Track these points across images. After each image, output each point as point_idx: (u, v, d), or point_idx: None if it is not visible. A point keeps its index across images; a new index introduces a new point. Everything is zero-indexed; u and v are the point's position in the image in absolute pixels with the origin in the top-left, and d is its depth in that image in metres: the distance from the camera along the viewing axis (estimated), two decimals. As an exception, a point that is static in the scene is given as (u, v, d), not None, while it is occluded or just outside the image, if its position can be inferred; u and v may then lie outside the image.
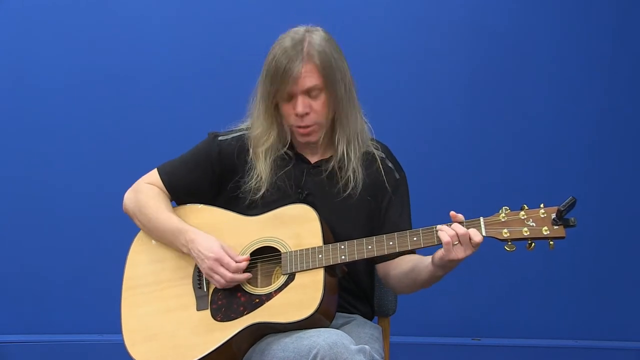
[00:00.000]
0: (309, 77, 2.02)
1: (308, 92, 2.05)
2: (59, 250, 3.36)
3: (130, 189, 2.24)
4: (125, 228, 2.25)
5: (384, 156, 2.19)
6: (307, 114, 2.06)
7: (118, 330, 2.12)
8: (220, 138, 2.20)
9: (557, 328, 3.51)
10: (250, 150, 2.14)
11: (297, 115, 2.06)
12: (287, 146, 2.15)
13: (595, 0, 3.45)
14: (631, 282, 3.50)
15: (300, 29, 2.09)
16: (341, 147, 2.11)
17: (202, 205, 2.18)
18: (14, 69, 3.34)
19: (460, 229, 1.88)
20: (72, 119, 3.35)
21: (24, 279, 3.36)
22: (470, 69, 3.45)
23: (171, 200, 2.22)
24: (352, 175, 2.11)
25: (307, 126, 2.09)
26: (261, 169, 2.12)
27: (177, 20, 3.37)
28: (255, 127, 2.14)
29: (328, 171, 2.13)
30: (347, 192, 2.10)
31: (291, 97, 2.06)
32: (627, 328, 3.51)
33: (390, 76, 3.41)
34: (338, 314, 2.09)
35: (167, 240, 2.14)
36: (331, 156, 2.14)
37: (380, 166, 2.16)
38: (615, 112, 3.48)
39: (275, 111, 2.11)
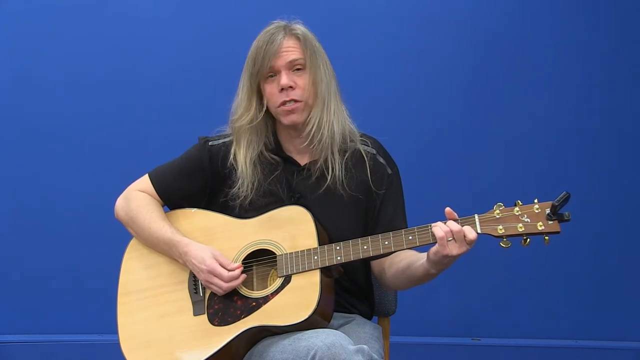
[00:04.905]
0: (292, 52, 2.06)
1: (291, 67, 2.07)
2: (59, 250, 3.36)
3: (121, 196, 2.23)
4: (125, 228, 2.25)
5: (374, 152, 2.18)
6: (291, 87, 2.06)
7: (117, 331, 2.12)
8: (210, 143, 2.19)
9: (557, 328, 3.51)
10: (232, 151, 2.13)
11: (281, 90, 2.06)
12: (273, 151, 2.14)
13: (595, 0, 3.44)
14: (631, 282, 3.50)
15: (281, 21, 2.15)
16: (313, 121, 2.09)
17: (195, 209, 2.18)
18: (13, 69, 3.34)
19: (454, 226, 1.88)
20: (71, 120, 3.36)
21: (24, 279, 3.37)
22: (467, 68, 3.45)
23: (163, 206, 2.21)
24: (339, 173, 2.09)
25: (292, 101, 2.07)
26: (244, 172, 2.10)
27: (173, 22, 3.37)
28: (237, 112, 2.12)
29: (317, 173, 2.12)
30: (338, 190, 2.09)
31: (275, 74, 2.08)
32: (626, 328, 3.51)
33: (388, 75, 3.42)
34: (337, 314, 2.10)
35: (160, 250, 2.14)
36: (319, 158, 2.13)
37: (372, 163, 2.15)
38: (612, 111, 3.48)
39: (259, 98, 2.10)
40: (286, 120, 2.10)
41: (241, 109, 2.12)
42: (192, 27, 3.38)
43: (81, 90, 3.35)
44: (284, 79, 2.05)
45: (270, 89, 2.09)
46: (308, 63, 2.07)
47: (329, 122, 2.09)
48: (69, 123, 3.36)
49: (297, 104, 2.08)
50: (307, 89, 2.07)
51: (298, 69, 2.07)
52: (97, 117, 3.37)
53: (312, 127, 2.09)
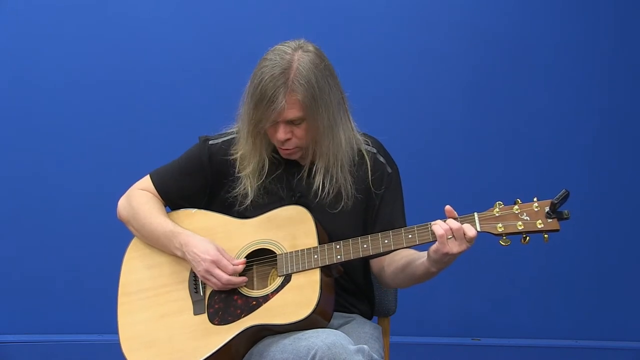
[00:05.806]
0: (291, 110, 1.99)
1: (290, 121, 2.02)
2: (59, 250, 3.36)
3: (124, 196, 2.24)
4: (125, 228, 2.25)
5: (375, 151, 2.18)
6: (288, 139, 2.05)
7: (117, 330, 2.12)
8: (210, 142, 2.19)
9: (557, 328, 3.51)
10: (238, 162, 2.13)
11: (278, 140, 2.06)
12: (275, 151, 2.13)
13: (595, 0, 3.44)
14: (631, 282, 3.50)
15: (288, 49, 2.02)
16: (319, 178, 2.08)
17: (196, 209, 2.18)
18: (13, 69, 3.34)
19: (454, 223, 1.88)
20: (71, 120, 3.36)
21: (24, 279, 3.36)
22: (467, 68, 3.45)
23: (165, 206, 2.22)
24: (342, 193, 2.08)
25: (289, 148, 2.07)
26: (249, 175, 2.11)
27: (173, 22, 3.37)
28: (240, 146, 2.12)
29: (318, 173, 2.10)
30: (340, 206, 2.09)
31: (274, 123, 2.03)
32: (627, 328, 3.51)
33: (388, 75, 3.42)
34: (337, 313, 2.10)
35: (161, 245, 2.14)
36: (321, 159, 2.11)
37: (372, 162, 2.14)
38: (612, 111, 3.48)
39: (259, 132, 2.08)
40: (284, 156, 2.12)
41: (244, 151, 2.11)
42: (192, 27, 3.37)
43: (81, 90, 3.35)
44: (281, 135, 2.03)
45: (270, 131, 2.07)
46: (307, 117, 2.02)
47: (324, 162, 2.08)
48: (69, 123, 3.36)
49: (294, 149, 2.08)
50: (305, 137, 2.06)
51: (297, 122, 2.04)
52: (97, 117, 3.36)
53: (316, 162, 2.10)
